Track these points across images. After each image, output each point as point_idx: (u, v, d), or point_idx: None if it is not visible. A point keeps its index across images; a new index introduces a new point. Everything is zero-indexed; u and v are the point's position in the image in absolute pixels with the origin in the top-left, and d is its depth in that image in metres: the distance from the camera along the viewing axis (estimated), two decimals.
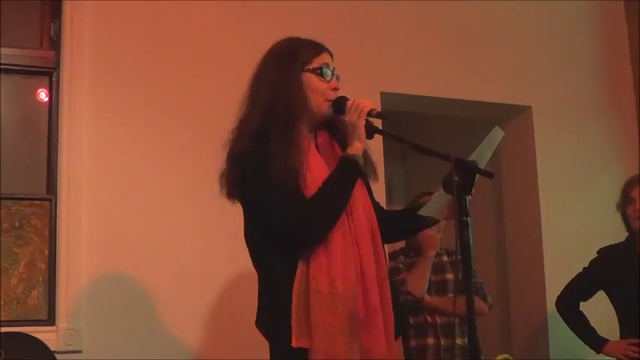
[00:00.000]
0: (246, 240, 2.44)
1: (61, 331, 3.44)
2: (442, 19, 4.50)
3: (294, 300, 2.26)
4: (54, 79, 3.71)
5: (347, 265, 2.30)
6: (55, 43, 3.72)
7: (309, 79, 2.41)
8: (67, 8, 3.70)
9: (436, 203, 2.51)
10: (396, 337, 2.42)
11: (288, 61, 2.42)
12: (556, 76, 4.77)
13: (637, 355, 3.68)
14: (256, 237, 2.41)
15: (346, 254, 2.31)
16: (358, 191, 2.39)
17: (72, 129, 3.60)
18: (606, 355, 3.83)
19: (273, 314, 2.33)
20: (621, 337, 3.79)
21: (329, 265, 2.28)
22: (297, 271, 2.27)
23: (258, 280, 2.41)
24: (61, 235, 3.51)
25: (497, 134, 2.50)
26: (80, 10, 3.71)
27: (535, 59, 4.72)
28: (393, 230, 2.60)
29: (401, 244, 3.96)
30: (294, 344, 2.24)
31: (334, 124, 2.48)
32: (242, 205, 2.42)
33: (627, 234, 3.85)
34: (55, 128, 3.63)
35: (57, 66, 3.69)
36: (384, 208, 2.75)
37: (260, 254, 2.41)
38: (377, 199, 2.60)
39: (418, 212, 2.56)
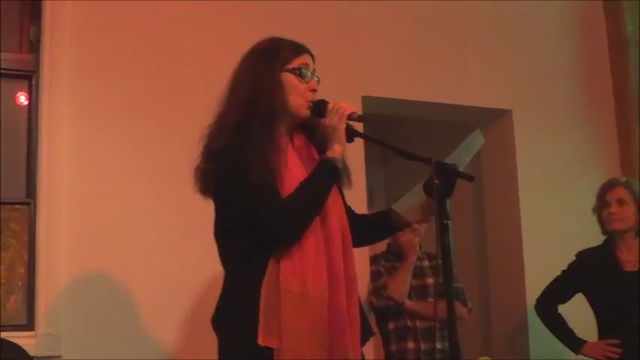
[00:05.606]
0: (215, 235, 2.44)
1: (40, 336, 3.42)
2: (423, 23, 4.51)
3: (263, 299, 2.26)
4: (34, 82, 3.68)
5: (319, 267, 2.31)
6: (35, 46, 3.70)
7: (288, 78, 2.41)
8: (47, 11, 3.67)
9: (411, 199, 2.52)
10: (362, 343, 2.43)
11: (269, 60, 2.42)
12: (536, 81, 4.79)
13: (615, 356, 3.71)
14: (227, 233, 2.40)
15: (318, 257, 2.31)
16: (331, 195, 2.39)
17: (52, 132, 3.58)
18: (585, 356, 3.87)
19: (238, 311, 2.33)
20: (599, 339, 3.82)
21: (302, 266, 2.28)
22: (267, 270, 2.28)
23: (224, 277, 2.40)
24: (40, 239, 3.49)
25: (478, 140, 2.51)
26: (60, 12, 3.68)
27: (515, 63, 4.74)
28: (364, 234, 2.60)
29: (382, 248, 3.97)
30: (260, 343, 2.23)
31: (311, 126, 2.49)
32: (215, 201, 2.42)
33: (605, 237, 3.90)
34: (35, 132, 3.61)
35: (37, 69, 3.66)
36: (365, 211, 2.76)
37: (229, 251, 2.40)
38: (358, 204, 2.60)
39: (392, 206, 2.59)
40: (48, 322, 3.45)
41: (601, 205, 3.87)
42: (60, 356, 3.45)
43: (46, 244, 3.49)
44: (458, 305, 3.64)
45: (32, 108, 3.67)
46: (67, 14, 3.69)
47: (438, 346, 3.75)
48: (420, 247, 3.86)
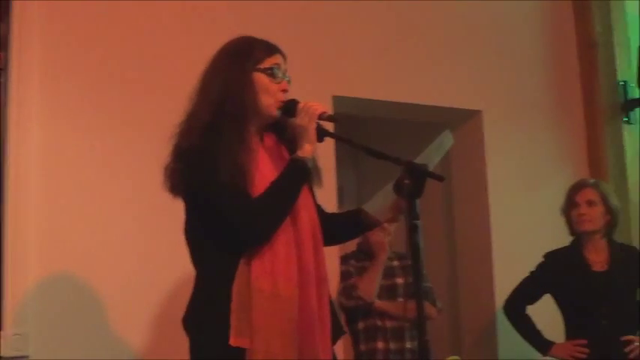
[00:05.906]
0: (185, 236, 2.43)
1: (8, 336, 3.38)
2: (393, 23, 4.53)
3: (234, 299, 2.26)
4: (2, 80, 3.63)
5: (290, 267, 2.31)
6: (3, 44, 3.66)
7: (260, 78, 2.41)
8: (16, 8, 3.63)
9: (382, 199, 2.53)
10: (333, 342, 2.44)
11: (241, 59, 2.42)
12: (506, 81, 4.82)
13: (583, 356, 3.74)
14: (197, 233, 2.40)
15: (289, 256, 2.32)
16: (302, 194, 2.40)
17: (20, 132, 3.54)
18: (553, 357, 3.89)
19: (209, 312, 2.33)
20: (567, 339, 3.85)
21: (272, 266, 2.29)
22: (238, 270, 2.28)
23: (196, 277, 2.40)
24: (7, 239, 3.45)
25: (448, 140, 2.53)
26: (30, 10, 3.64)
27: (486, 64, 4.77)
28: (335, 233, 2.61)
29: (352, 248, 3.97)
30: (232, 343, 2.24)
31: (282, 126, 2.49)
32: (184, 200, 2.41)
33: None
34: (3, 131, 3.56)
35: (5, 67, 3.62)
36: (335, 210, 2.76)
37: (200, 251, 2.40)
38: (329, 204, 2.61)
39: (362, 206, 2.60)
40: (16, 322, 3.41)
41: (570, 206, 3.90)
42: (28, 356, 3.41)
43: (13, 244, 3.45)
44: (427, 305, 3.66)
45: (0, 107, 3.62)
46: (36, 12, 3.65)
47: (408, 345, 3.76)
48: (390, 247, 3.87)
